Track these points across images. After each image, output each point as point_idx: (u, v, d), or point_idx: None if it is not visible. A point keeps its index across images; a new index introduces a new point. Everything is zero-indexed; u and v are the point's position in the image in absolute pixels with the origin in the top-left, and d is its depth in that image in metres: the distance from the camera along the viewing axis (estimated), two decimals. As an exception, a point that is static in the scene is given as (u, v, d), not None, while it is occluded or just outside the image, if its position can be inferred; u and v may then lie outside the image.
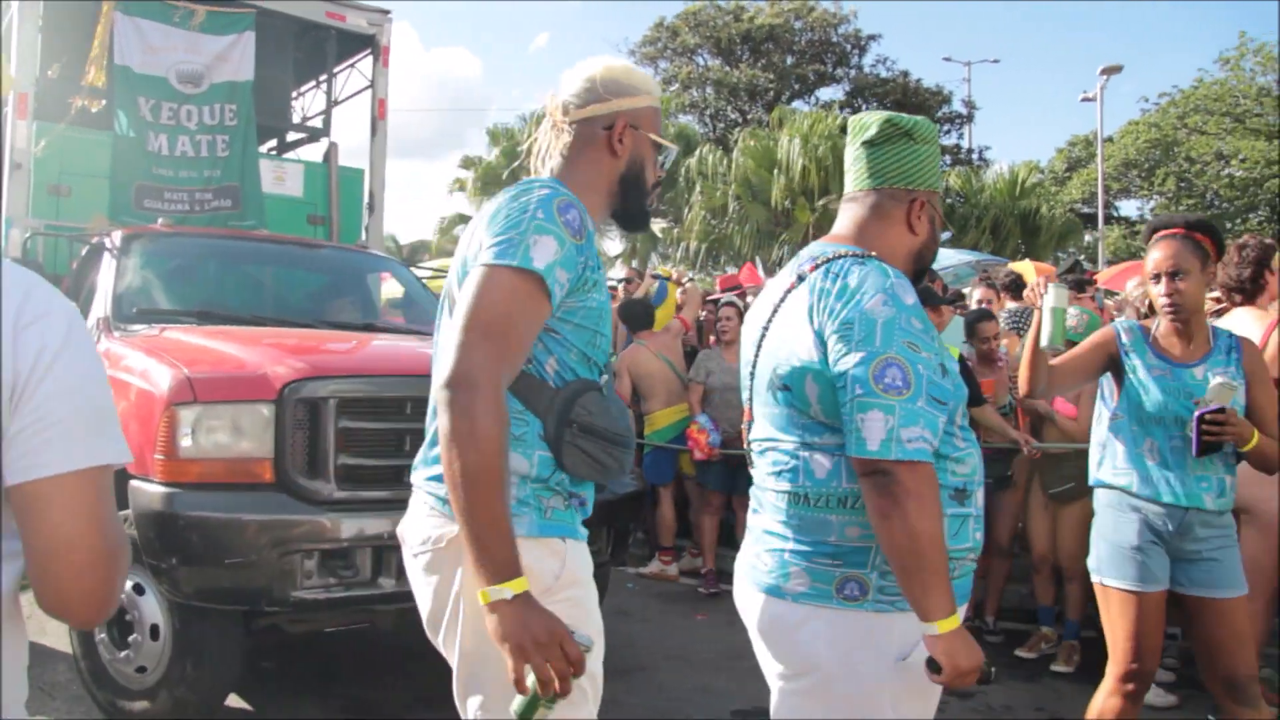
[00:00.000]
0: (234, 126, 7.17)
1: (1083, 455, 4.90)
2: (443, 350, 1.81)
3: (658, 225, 24.47)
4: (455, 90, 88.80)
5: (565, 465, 1.88)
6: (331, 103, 8.79)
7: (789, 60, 33.35)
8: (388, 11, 7.95)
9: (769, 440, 2.05)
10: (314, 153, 8.75)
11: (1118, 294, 8.14)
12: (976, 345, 5.71)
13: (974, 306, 6.99)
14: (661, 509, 7.08)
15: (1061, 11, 73.13)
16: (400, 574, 3.77)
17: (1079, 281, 6.99)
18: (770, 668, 2.06)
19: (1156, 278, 3.22)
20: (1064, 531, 5.21)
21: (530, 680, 1.64)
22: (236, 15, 7.21)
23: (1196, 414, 3.01)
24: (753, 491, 2.16)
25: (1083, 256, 22.55)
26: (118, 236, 5.29)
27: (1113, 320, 6.73)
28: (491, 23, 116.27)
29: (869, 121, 2.15)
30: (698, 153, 24.31)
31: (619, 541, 4.58)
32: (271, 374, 3.73)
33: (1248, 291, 4.36)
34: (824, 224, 20.71)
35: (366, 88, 8.19)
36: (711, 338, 7.33)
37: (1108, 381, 3.32)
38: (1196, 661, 3.38)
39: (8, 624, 1.23)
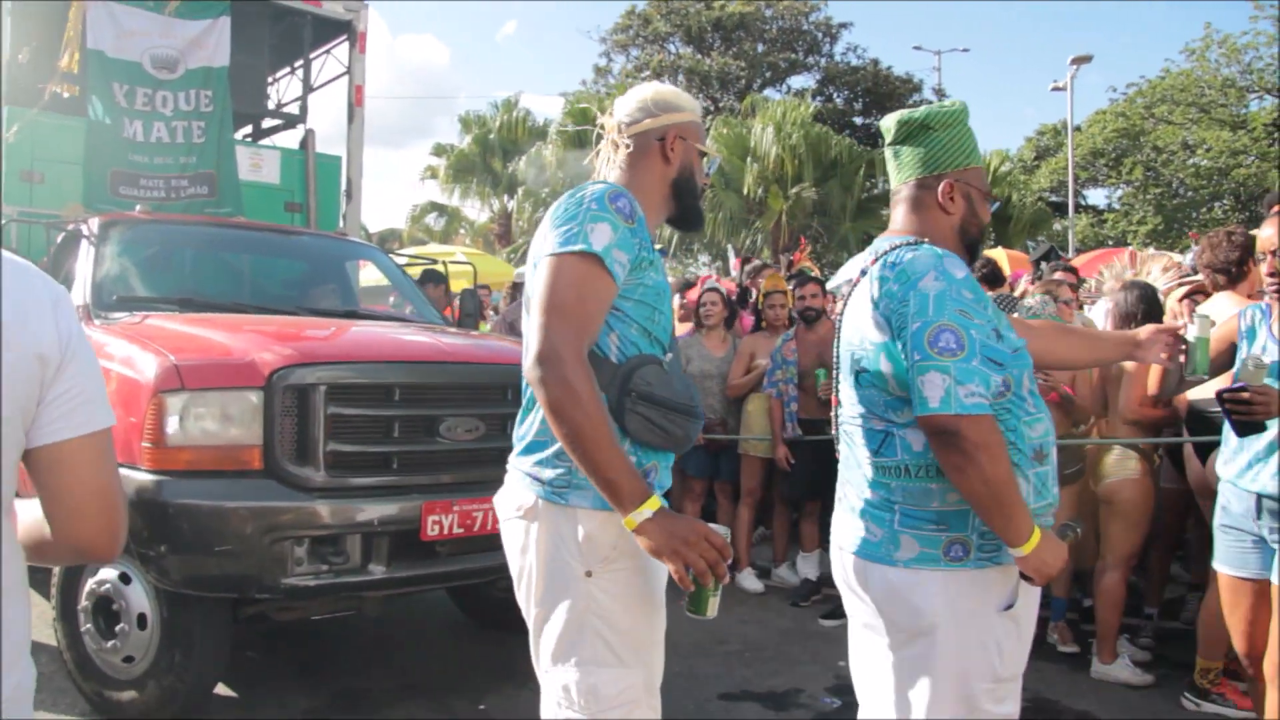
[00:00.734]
0: (209, 113, 7.09)
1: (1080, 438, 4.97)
2: (526, 335, 2.03)
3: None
4: (423, 78, 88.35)
5: (629, 431, 2.07)
6: (308, 89, 8.69)
7: (760, 48, 33.38)
8: (364, -2, 7.89)
9: (860, 419, 2.25)
10: (290, 139, 8.67)
11: (1088, 281, 8.23)
12: None
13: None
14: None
15: (1030, 2, 73.55)
16: (390, 560, 3.79)
17: (1049, 256, 7.02)
18: (880, 640, 2.22)
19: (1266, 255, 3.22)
20: (1061, 513, 5.22)
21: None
22: (211, 0, 7.13)
23: (1215, 393, 3.04)
24: (844, 470, 2.36)
25: (1053, 245, 22.74)
26: (95, 223, 5.21)
27: (1082, 308, 6.81)
28: (459, 10, 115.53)
29: (888, 125, 2.37)
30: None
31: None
32: (259, 360, 3.71)
33: (1232, 275, 4.47)
34: (796, 211, 20.84)
35: (343, 74, 8.13)
36: (689, 324, 7.33)
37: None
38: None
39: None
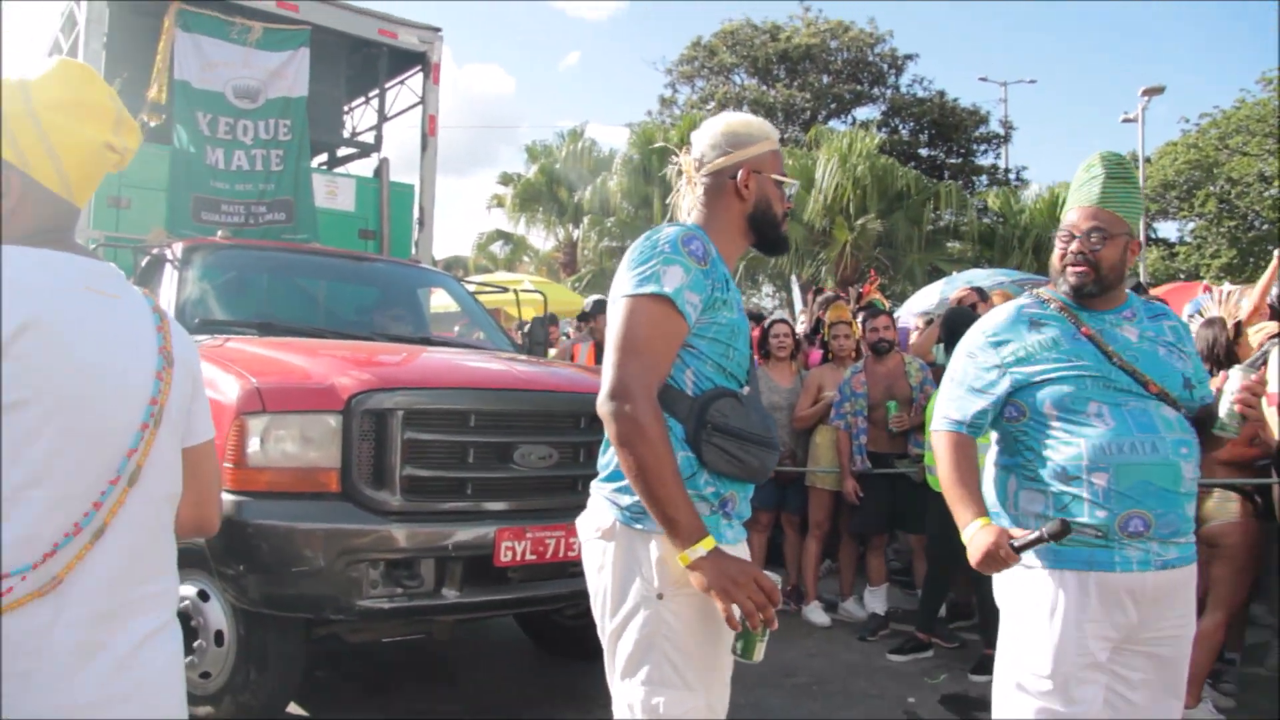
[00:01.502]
0: (288, 141, 7.26)
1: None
2: (602, 375, 2.12)
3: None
4: (488, 107, 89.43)
5: (706, 462, 2.12)
6: (382, 118, 8.86)
7: (825, 79, 33.31)
8: (439, 29, 8.00)
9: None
10: (365, 168, 8.84)
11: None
12: None
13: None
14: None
15: (1098, 33, 72.71)
16: (463, 585, 3.81)
17: (1137, 290, 6.85)
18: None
19: None
20: None
21: (738, 617, 1.99)
22: (292, 32, 7.31)
23: None
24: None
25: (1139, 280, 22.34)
26: (179, 248, 5.36)
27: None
28: (523, 41, 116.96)
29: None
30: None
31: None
32: (338, 385, 3.77)
33: None
34: (862, 242, 20.72)
35: (417, 104, 8.26)
36: (757, 356, 7.32)
37: None
38: None
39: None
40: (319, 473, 3.70)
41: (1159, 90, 23.30)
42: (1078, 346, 2.51)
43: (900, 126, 32.86)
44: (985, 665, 4.63)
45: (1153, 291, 12.65)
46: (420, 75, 8.17)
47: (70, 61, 1.65)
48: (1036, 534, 2.34)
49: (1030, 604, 2.47)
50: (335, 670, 4.94)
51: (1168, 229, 32.00)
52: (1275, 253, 5.15)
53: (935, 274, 18.48)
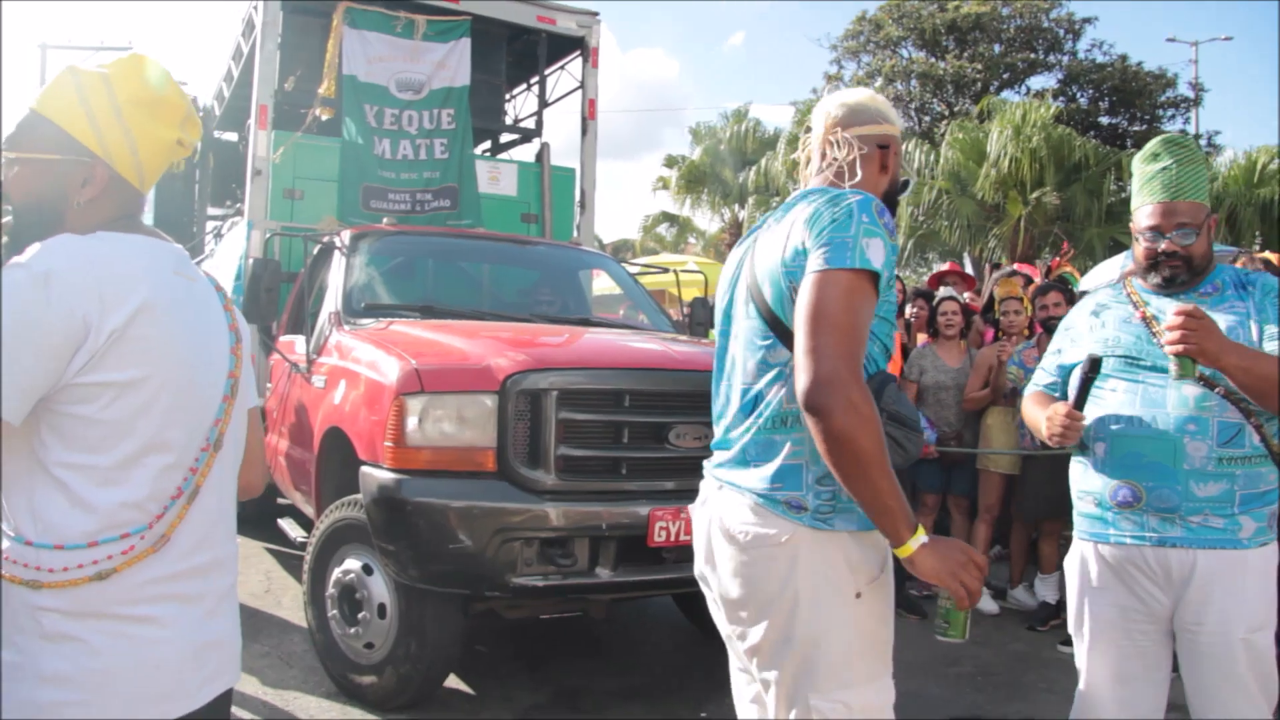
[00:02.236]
0: (452, 130, 7.44)
1: None
2: (798, 357, 1.90)
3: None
4: (652, 91, 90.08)
5: None
6: (543, 104, 8.98)
7: (997, 49, 32.00)
8: (596, 14, 8.05)
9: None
10: (526, 153, 8.97)
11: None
12: None
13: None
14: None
15: (1302, -15, 67.45)
16: (616, 564, 3.82)
17: None
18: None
19: None
20: None
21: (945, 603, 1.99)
22: (453, 23, 7.48)
23: None
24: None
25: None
26: (346, 236, 5.56)
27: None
28: (687, 23, 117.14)
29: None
30: (903, 148, 23.65)
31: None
32: (494, 366, 3.83)
33: None
34: (1037, 216, 19.88)
35: (576, 89, 8.33)
36: (920, 335, 7.09)
37: None
38: None
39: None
40: (475, 452, 3.77)
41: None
42: (1123, 329, 2.65)
43: (1078, 94, 31.30)
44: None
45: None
46: (579, 60, 8.22)
47: (144, 57, 1.76)
48: (1078, 382, 2.55)
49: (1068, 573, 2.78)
50: (496, 645, 5.04)
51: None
52: None
53: (1116, 248, 17.55)
